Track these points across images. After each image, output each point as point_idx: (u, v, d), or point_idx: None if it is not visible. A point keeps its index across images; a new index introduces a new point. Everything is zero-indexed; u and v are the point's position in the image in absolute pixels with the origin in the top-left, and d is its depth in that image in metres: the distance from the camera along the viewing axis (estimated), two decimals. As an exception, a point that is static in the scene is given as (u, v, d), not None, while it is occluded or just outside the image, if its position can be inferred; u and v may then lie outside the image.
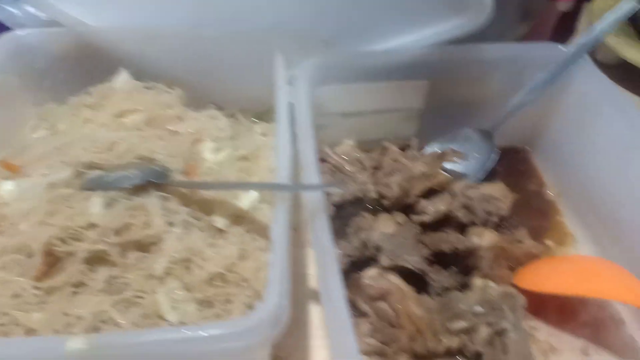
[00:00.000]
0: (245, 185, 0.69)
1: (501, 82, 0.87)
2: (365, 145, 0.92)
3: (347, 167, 0.88)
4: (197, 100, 0.90)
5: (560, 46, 0.84)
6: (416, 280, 0.72)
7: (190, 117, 0.84)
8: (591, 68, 0.81)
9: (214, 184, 0.69)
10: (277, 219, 0.57)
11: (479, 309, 0.65)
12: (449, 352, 0.65)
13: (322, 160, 0.89)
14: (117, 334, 0.56)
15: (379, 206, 0.84)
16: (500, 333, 0.63)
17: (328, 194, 0.84)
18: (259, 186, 0.67)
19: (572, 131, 0.85)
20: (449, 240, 0.71)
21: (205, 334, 0.48)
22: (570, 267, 0.71)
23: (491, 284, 0.67)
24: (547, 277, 0.70)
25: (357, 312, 0.70)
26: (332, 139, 0.92)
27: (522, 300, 0.63)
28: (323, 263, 0.55)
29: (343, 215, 0.85)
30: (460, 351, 0.66)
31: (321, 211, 0.60)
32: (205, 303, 0.64)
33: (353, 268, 0.74)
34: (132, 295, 0.62)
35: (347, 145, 0.92)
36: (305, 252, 0.82)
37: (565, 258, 0.77)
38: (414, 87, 0.88)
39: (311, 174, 0.64)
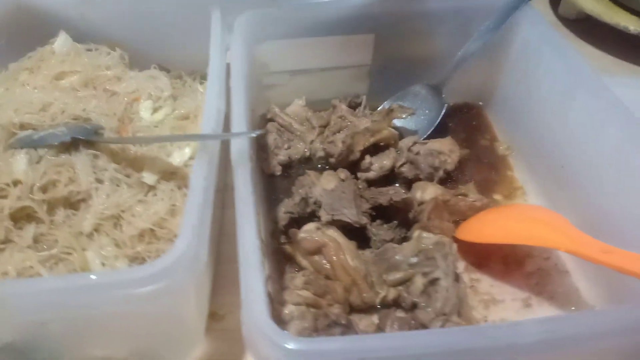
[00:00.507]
0: (163, 138, 0.67)
1: (448, 34, 0.85)
2: (317, 105, 0.91)
3: (296, 126, 0.86)
4: (142, 62, 0.88)
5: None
6: (358, 235, 0.71)
7: (129, 77, 0.81)
8: (534, 14, 0.79)
9: (136, 139, 0.67)
10: (196, 167, 0.55)
11: (414, 259, 0.64)
12: (385, 303, 0.65)
13: (270, 119, 0.87)
14: (20, 281, 0.54)
15: (327, 165, 0.83)
16: (433, 282, 0.62)
17: (274, 156, 0.83)
18: (178, 138, 0.65)
19: (520, 82, 0.83)
20: (387, 193, 0.70)
21: (111, 280, 0.47)
22: (509, 217, 0.70)
23: (427, 234, 0.66)
24: (487, 227, 0.69)
25: (297, 267, 0.69)
26: (282, 99, 0.90)
27: (453, 247, 0.62)
28: (241, 213, 0.53)
29: (291, 174, 0.84)
30: (396, 302, 0.65)
31: (243, 160, 0.58)
32: (136, 259, 0.63)
33: (294, 224, 0.73)
34: (60, 252, 0.61)
35: (298, 105, 0.90)
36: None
37: (505, 208, 0.76)
38: (361, 41, 0.86)
39: (239, 123, 0.62)
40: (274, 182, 0.82)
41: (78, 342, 0.55)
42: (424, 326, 0.58)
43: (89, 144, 0.67)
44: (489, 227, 0.69)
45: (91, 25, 0.88)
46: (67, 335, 0.53)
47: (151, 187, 0.65)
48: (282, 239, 0.72)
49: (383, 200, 0.69)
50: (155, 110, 0.77)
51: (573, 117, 0.71)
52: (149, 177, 0.65)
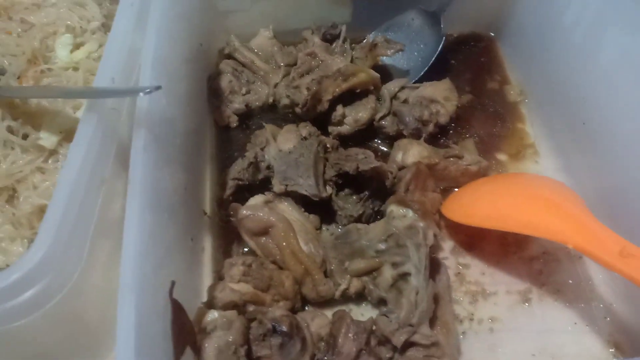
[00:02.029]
0: (46, 90, 0.53)
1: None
2: (289, 36, 0.74)
3: (258, 64, 0.70)
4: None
5: None
6: (323, 208, 0.58)
7: (50, 3, 0.66)
8: None
9: (23, 90, 0.52)
10: (77, 136, 0.41)
11: (382, 245, 0.51)
12: (347, 297, 0.52)
13: (228, 55, 0.71)
14: None
15: (294, 115, 0.68)
16: (403, 276, 0.49)
17: (228, 103, 0.68)
18: (58, 92, 0.51)
19: (538, 9, 0.66)
20: (355, 158, 0.55)
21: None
22: (509, 192, 0.55)
23: (404, 211, 0.52)
24: (480, 205, 0.54)
25: (244, 250, 0.57)
26: (244, 29, 0.73)
27: (429, 235, 0.48)
28: (132, 191, 0.40)
29: (250, 126, 0.69)
30: (360, 295, 0.52)
31: (144, 127, 0.43)
32: (36, 241, 0.51)
33: (242, 193, 0.59)
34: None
35: (263, 36, 0.73)
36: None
37: (505, 178, 0.61)
38: (340, -44, 0.68)
39: (146, 72, 0.47)
40: (228, 136, 0.68)
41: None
42: (385, 338, 0.46)
43: (-19, 94, 0.53)
44: (483, 204, 0.54)
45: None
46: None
47: (52, 152, 0.52)
48: (230, 210, 0.59)
49: (349, 167, 0.55)
50: (76, 47, 0.63)
51: (604, 57, 0.54)
52: (48, 139, 0.52)
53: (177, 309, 0.41)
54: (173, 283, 0.40)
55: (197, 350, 0.42)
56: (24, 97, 0.52)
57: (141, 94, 0.41)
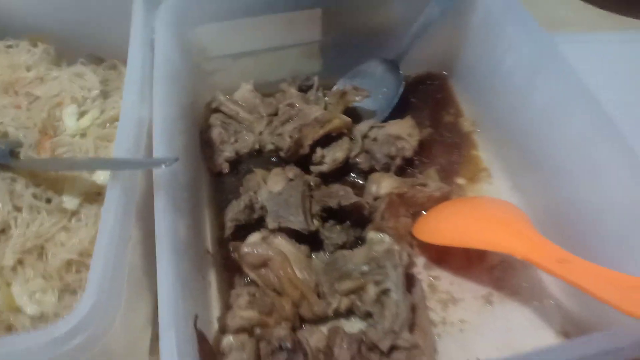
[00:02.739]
0: (78, 164, 0.61)
1: (403, 3, 0.77)
2: (268, 88, 0.84)
3: (243, 115, 0.79)
4: (71, 52, 0.80)
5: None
6: (311, 238, 0.66)
7: (52, 77, 0.74)
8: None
9: (50, 163, 0.61)
10: (107, 203, 0.50)
11: (365, 267, 0.60)
12: (338, 313, 0.61)
13: (215, 110, 0.81)
14: None
15: (278, 158, 0.77)
16: (385, 292, 0.58)
17: (220, 152, 0.77)
18: (90, 165, 0.59)
19: (483, 53, 0.77)
20: (337, 194, 0.65)
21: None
22: (465, 214, 0.65)
23: (381, 236, 0.61)
24: (443, 227, 0.64)
25: (247, 277, 0.65)
26: (227, 84, 0.82)
27: (403, 256, 0.58)
28: (160, 244, 0.48)
29: (240, 171, 0.78)
30: (350, 311, 0.61)
31: (163, 190, 0.52)
32: (66, 291, 0.58)
33: (240, 232, 0.68)
34: (-17, 291, 0.57)
35: (245, 89, 0.83)
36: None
37: (463, 202, 0.71)
38: (307, 17, 0.77)
39: (159, 144, 0.56)
40: (221, 181, 0.76)
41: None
42: (374, 345, 0.55)
43: (5, 166, 0.61)
44: (445, 226, 0.64)
45: (10, 17, 0.80)
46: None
47: (74, 212, 0.60)
48: (231, 247, 0.67)
49: (332, 203, 0.64)
50: (81, 114, 0.71)
51: (537, 98, 0.65)
52: (70, 202, 0.59)
53: (201, 338, 0.49)
54: (196, 316, 0.49)
55: (219, 370, 0.51)
56: (51, 170, 0.59)
57: (163, 166, 0.50)
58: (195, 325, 0.48)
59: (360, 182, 0.75)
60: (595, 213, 0.58)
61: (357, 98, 0.77)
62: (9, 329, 0.56)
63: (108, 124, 0.71)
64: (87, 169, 0.60)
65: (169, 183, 0.53)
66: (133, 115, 0.58)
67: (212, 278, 0.66)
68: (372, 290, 0.59)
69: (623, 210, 0.53)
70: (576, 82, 0.60)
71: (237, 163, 0.78)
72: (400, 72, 0.80)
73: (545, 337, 0.60)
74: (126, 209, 0.51)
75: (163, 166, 0.50)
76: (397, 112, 0.80)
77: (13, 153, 0.63)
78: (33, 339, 0.43)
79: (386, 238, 0.62)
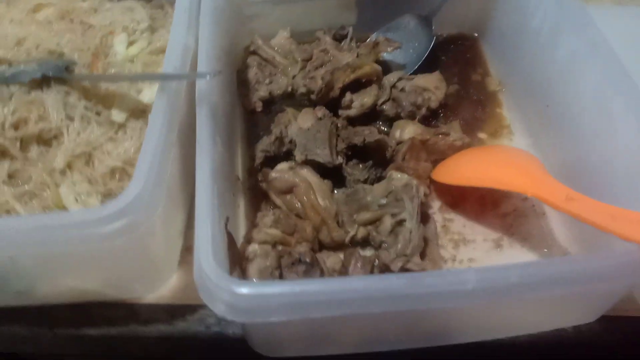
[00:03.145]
0: (126, 77, 0.66)
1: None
2: (304, 36, 0.88)
3: (279, 59, 0.84)
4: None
5: None
6: (334, 175, 0.71)
7: (105, 8, 0.79)
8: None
9: (101, 77, 0.66)
10: (154, 108, 0.54)
11: (383, 200, 0.64)
12: (355, 242, 0.65)
13: (253, 52, 0.85)
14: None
15: (309, 101, 0.81)
16: (400, 223, 0.62)
17: (255, 91, 0.81)
18: (139, 77, 0.64)
19: (513, 13, 0.79)
20: (362, 133, 0.69)
21: (68, 221, 0.48)
22: (483, 159, 0.68)
23: (401, 175, 0.65)
24: (461, 169, 0.67)
25: (272, 204, 0.70)
26: (265, 30, 0.87)
27: (421, 190, 0.62)
28: (200, 158, 0.53)
29: (273, 111, 0.82)
30: (365, 240, 0.65)
31: (205, 101, 0.57)
32: (109, 196, 0.64)
33: (269, 163, 0.72)
34: (34, 188, 0.63)
35: (282, 36, 0.87)
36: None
37: (481, 149, 0.74)
38: (346, -31, 0.81)
39: (204, 61, 0.60)
40: (254, 119, 0.81)
41: (49, 275, 0.58)
42: (386, 266, 0.59)
43: (60, 80, 0.67)
44: (463, 169, 0.67)
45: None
46: (37, 269, 0.56)
47: (121, 125, 0.65)
48: (259, 177, 0.72)
49: (357, 140, 0.68)
50: (130, 43, 0.76)
51: (559, 54, 0.67)
52: (118, 115, 0.65)
53: (230, 238, 0.54)
54: (227, 218, 0.54)
55: (243, 270, 0.56)
56: (102, 81, 0.65)
57: (207, 77, 0.55)
58: (226, 225, 0.53)
59: (385, 129, 0.79)
60: (608, 164, 0.60)
61: (388, 49, 0.80)
62: (55, 224, 0.62)
63: (154, 55, 0.76)
64: (136, 80, 0.64)
65: (211, 95, 0.58)
66: (180, 41, 0.63)
67: (241, 202, 0.70)
68: (388, 222, 0.63)
69: (632, 157, 0.56)
70: (596, 35, 0.62)
71: (270, 103, 0.82)
72: (432, 27, 0.82)
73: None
74: (171, 118, 0.55)
75: (207, 77, 0.55)
76: (426, 68, 0.83)
77: (68, 69, 0.68)
78: (80, 216, 0.48)
79: (405, 176, 0.66)
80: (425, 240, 0.62)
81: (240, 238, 0.64)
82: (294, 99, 0.83)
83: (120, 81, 0.64)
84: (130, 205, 0.48)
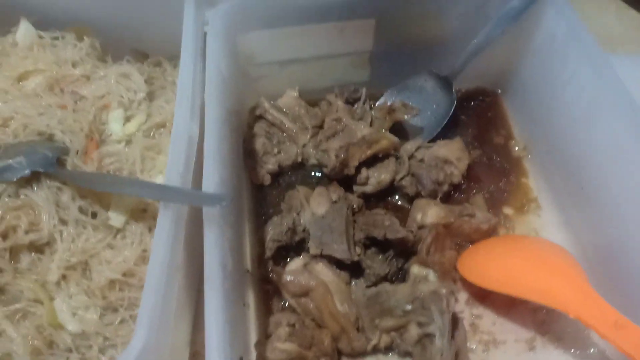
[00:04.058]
0: (129, 183, 0.60)
1: (460, 17, 0.73)
2: (314, 95, 0.81)
3: (287, 125, 0.77)
4: (116, 46, 0.78)
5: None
6: (353, 265, 0.65)
7: (99, 76, 0.72)
8: (561, 2, 0.66)
9: (99, 179, 0.59)
10: (157, 233, 0.49)
11: (408, 306, 0.59)
12: (377, 350, 0.60)
13: (259, 117, 0.78)
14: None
15: (321, 173, 0.76)
16: (428, 336, 0.57)
17: (263, 164, 0.75)
18: (142, 190, 0.57)
19: (542, 77, 0.73)
20: (382, 225, 0.63)
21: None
22: (515, 255, 0.62)
23: (426, 272, 0.60)
24: (491, 268, 0.62)
25: (284, 303, 0.64)
26: (272, 91, 0.80)
27: (451, 302, 0.56)
28: (209, 283, 0.48)
29: (282, 183, 0.76)
30: (388, 348, 0.61)
31: (213, 226, 0.51)
32: (108, 309, 0.59)
33: (282, 253, 0.67)
34: (26, 305, 0.57)
35: (290, 96, 0.81)
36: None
37: (513, 241, 0.68)
38: (360, 27, 0.74)
39: (211, 173, 0.54)
40: (262, 193, 0.75)
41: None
42: (415, 392, 0.54)
43: (51, 175, 0.61)
44: (493, 268, 0.62)
45: (56, 8, 0.78)
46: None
47: (119, 229, 0.59)
48: (270, 265, 0.67)
49: (377, 234, 0.63)
50: (127, 119, 0.69)
51: (598, 136, 0.62)
52: (116, 219, 0.59)
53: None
54: (241, 358, 0.49)
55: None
56: (100, 189, 0.58)
57: (218, 206, 0.49)
58: (240, 367, 0.48)
59: (404, 205, 0.73)
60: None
61: (405, 116, 0.74)
62: (50, 345, 0.56)
63: (154, 130, 0.70)
64: (138, 195, 0.58)
65: (220, 218, 0.52)
66: (184, 135, 0.57)
67: (251, 299, 0.65)
68: (414, 331, 0.58)
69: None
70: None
71: (279, 175, 0.76)
72: (454, 90, 0.76)
73: (587, 389, 0.59)
74: (176, 239, 0.50)
75: (219, 207, 0.49)
76: (444, 128, 0.78)
77: (60, 161, 0.62)
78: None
79: (431, 275, 0.61)
80: (457, 354, 0.57)
81: (250, 347, 0.59)
82: (304, 169, 0.77)
83: (119, 191, 0.58)
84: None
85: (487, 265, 0.63)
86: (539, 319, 0.64)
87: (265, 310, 0.65)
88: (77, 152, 0.64)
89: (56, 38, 0.76)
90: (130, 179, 0.61)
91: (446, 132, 0.78)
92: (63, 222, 0.59)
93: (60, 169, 0.61)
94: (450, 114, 0.76)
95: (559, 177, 0.72)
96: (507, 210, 0.73)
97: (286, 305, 0.64)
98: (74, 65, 0.73)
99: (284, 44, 0.75)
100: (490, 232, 0.69)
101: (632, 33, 0.92)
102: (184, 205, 0.53)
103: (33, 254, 0.59)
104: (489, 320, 0.64)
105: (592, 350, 0.62)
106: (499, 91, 0.84)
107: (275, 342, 0.57)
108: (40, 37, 0.75)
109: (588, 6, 0.74)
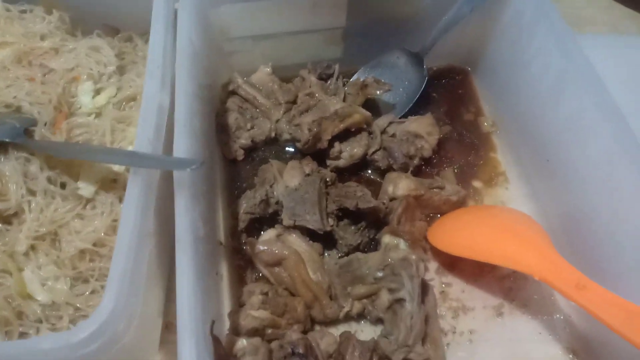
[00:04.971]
0: (98, 150, 0.59)
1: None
2: (287, 71, 0.81)
3: (260, 100, 0.77)
4: (86, 20, 0.77)
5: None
6: (324, 236, 0.66)
7: (68, 49, 0.71)
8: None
9: (67, 148, 0.59)
10: (127, 200, 0.48)
11: (379, 273, 0.59)
12: (349, 317, 0.61)
13: (232, 92, 0.78)
14: None
15: (294, 148, 0.76)
16: (398, 301, 0.58)
17: (235, 139, 0.75)
18: (111, 156, 0.57)
19: (510, 52, 0.74)
20: (354, 196, 0.64)
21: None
22: (483, 223, 0.64)
23: (397, 241, 0.61)
24: (459, 236, 0.64)
25: (257, 271, 0.65)
26: (245, 66, 0.80)
27: (420, 268, 0.57)
28: (180, 247, 0.48)
29: (255, 158, 0.76)
30: (361, 315, 0.62)
31: (184, 190, 0.51)
32: (79, 279, 0.58)
33: (255, 225, 0.67)
34: (-6, 275, 0.56)
35: (263, 72, 0.80)
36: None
37: (480, 210, 0.70)
38: (332, 2, 0.74)
39: (181, 140, 0.54)
40: (235, 168, 0.75)
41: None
42: (386, 357, 0.55)
43: (18, 145, 0.60)
44: (461, 236, 0.63)
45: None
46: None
47: (89, 200, 0.59)
48: (243, 240, 0.67)
49: (349, 204, 0.63)
50: (97, 92, 0.69)
51: (563, 111, 0.64)
52: (86, 189, 0.58)
53: (217, 343, 0.49)
54: (213, 322, 0.49)
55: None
56: (68, 157, 0.58)
57: (188, 169, 0.49)
58: (211, 330, 0.48)
59: (376, 179, 0.74)
60: (610, 228, 0.58)
61: (378, 92, 0.75)
62: (19, 315, 0.56)
63: (124, 104, 0.69)
64: (107, 161, 0.58)
65: (190, 182, 0.52)
66: (154, 104, 0.56)
67: (224, 271, 0.65)
68: (385, 297, 0.59)
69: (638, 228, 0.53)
70: (605, 96, 0.58)
71: (252, 150, 0.76)
72: (425, 67, 0.77)
73: (552, 353, 0.61)
74: (146, 205, 0.50)
75: (189, 170, 0.49)
76: (416, 105, 0.79)
77: (27, 132, 0.61)
78: (53, 341, 0.42)
79: (402, 244, 0.61)
80: (426, 319, 0.58)
81: (224, 316, 0.60)
82: (277, 144, 0.77)
83: (88, 158, 0.57)
84: (104, 324, 0.43)
85: (456, 233, 0.64)
86: (506, 286, 0.66)
87: (238, 281, 0.65)
88: (46, 124, 0.63)
89: (24, 11, 0.75)
90: (99, 147, 0.61)
91: (417, 108, 0.79)
92: (31, 192, 0.58)
93: (29, 139, 0.60)
94: (421, 90, 0.77)
95: (526, 151, 0.73)
96: (476, 184, 0.74)
97: (260, 276, 0.65)
98: (42, 38, 0.72)
99: (256, 18, 0.75)
100: (459, 204, 0.70)
101: (601, 14, 0.95)
102: (154, 173, 0.53)
103: (0, 224, 0.58)
104: (458, 288, 0.66)
105: (556, 316, 0.64)
106: (469, 69, 0.86)
107: (249, 309, 0.57)
108: (8, 10, 0.74)
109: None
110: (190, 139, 0.55)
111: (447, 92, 0.84)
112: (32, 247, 0.57)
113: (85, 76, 0.69)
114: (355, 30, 0.78)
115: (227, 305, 0.63)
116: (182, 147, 0.53)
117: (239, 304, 0.61)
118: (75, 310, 0.56)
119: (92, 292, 0.58)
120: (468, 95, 0.84)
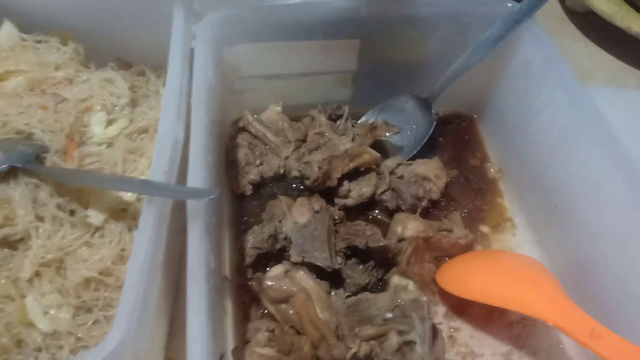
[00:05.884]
0: (110, 179, 0.59)
1: (441, 42, 0.76)
2: (297, 111, 0.82)
3: (270, 137, 0.78)
4: (100, 54, 0.78)
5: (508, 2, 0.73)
6: (332, 274, 0.65)
7: (82, 80, 0.72)
8: (538, 31, 0.70)
9: (79, 176, 0.58)
10: (140, 228, 0.48)
11: (389, 314, 0.58)
12: (356, 359, 0.60)
13: (242, 129, 0.79)
14: None
15: (302, 184, 0.76)
16: (408, 344, 0.57)
17: (244, 174, 0.75)
18: (125, 185, 0.57)
19: (518, 101, 0.76)
20: (364, 234, 0.63)
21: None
22: (493, 269, 0.64)
23: (406, 282, 0.60)
24: (469, 279, 0.63)
25: (263, 307, 0.63)
26: (256, 104, 0.81)
27: (431, 309, 0.57)
28: (192, 279, 0.47)
29: (263, 194, 0.76)
30: (368, 357, 0.60)
31: (198, 221, 0.51)
32: (82, 308, 0.56)
33: (262, 261, 0.66)
34: (-4, 301, 0.55)
35: (273, 110, 0.82)
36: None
37: (490, 255, 0.70)
38: (345, 46, 0.77)
39: (196, 173, 0.54)
40: (243, 203, 0.75)
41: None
42: (394, 398, 0.54)
43: (29, 171, 0.59)
44: (471, 279, 0.63)
45: (41, 12, 0.77)
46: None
47: (98, 228, 0.58)
48: (249, 275, 0.66)
49: (359, 242, 0.63)
50: (109, 123, 0.69)
51: (572, 160, 0.64)
52: (95, 217, 0.58)
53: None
54: (222, 357, 0.47)
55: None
56: (80, 184, 0.57)
57: (206, 199, 0.49)
58: (220, 365, 0.47)
59: (384, 219, 0.74)
60: (622, 278, 0.57)
61: (387, 134, 0.76)
62: (19, 344, 0.54)
63: (136, 135, 0.69)
64: (122, 189, 0.58)
65: (204, 213, 0.52)
66: (170, 136, 0.56)
67: (229, 306, 0.64)
68: (394, 339, 0.58)
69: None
70: (617, 147, 0.59)
71: (260, 186, 0.76)
72: (432, 112, 0.79)
73: (563, 402, 0.60)
74: (159, 235, 0.49)
75: (206, 200, 0.49)
76: (423, 149, 0.80)
77: (39, 158, 0.61)
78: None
79: (411, 285, 0.61)
80: (435, 364, 0.57)
81: (228, 353, 0.58)
82: (285, 181, 0.77)
83: (102, 185, 0.57)
84: (110, 356, 0.42)
85: (466, 276, 0.64)
86: (516, 333, 0.65)
87: (243, 318, 0.63)
88: (57, 152, 0.63)
89: (39, 41, 0.75)
90: (114, 175, 0.60)
91: (424, 152, 0.80)
92: (39, 218, 0.57)
93: (40, 165, 0.60)
94: (429, 134, 0.78)
95: (533, 198, 0.74)
96: (484, 229, 0.74)
97: (265, 313, 0.63)
98: (56, 68, 0.73)
99: (269, 58, 0.76)
100: (467, 248, 0.70)
101: (601, 67, 0.98)
102: (166, 204, 0.52)
103: (6, 249, 0.57)
104: (466, 333, 0.65)
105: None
106: (475, 116, 0.87)
107: (254, 346, 0.56)
108: (23, 39, 0.75)
109: (558, 41, 0.78)
110: (205, 172, 0.55)
111: (453, 137, 0.85)
112: (37, 274, 0.56)
113: (98, 107, 0.69)
114: (365, 74, 0.80)
115: (231, 343, 0.61)
116: (198, 179, 0.53)
117: (243, 341, 0.59)
118: (77, 340, 0.54)
119: (95, 322, 0.56)
120: (474, 141, 0.85)
